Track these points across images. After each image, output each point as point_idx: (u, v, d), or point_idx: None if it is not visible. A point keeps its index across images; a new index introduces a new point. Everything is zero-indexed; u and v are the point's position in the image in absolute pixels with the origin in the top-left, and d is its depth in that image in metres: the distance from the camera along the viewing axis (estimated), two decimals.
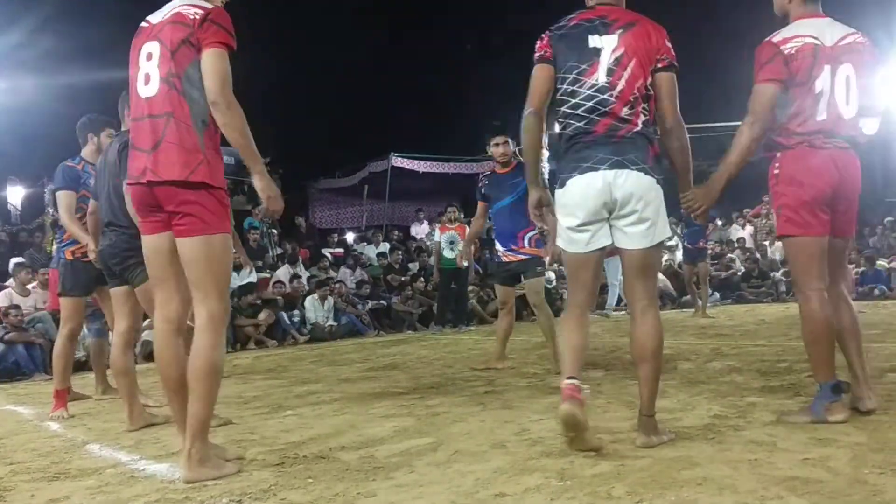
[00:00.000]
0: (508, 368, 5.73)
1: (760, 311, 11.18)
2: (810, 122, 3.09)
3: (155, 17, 2.89)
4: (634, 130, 2.84)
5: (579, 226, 2.89)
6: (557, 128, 2.99)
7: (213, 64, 2.74)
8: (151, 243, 2.92)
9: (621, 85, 2.84)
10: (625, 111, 2.84)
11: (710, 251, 12.38)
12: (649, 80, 2.87)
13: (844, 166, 3.10)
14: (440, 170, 17.54)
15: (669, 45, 2.91)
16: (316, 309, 10.66)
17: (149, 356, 7.65)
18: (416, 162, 17.01)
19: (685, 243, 11.35)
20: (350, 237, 15.86)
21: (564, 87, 2.92)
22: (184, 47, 2.77)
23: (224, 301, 2.84)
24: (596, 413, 3.59)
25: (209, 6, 2.83)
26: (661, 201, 2.87)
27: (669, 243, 13.49)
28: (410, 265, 13.26)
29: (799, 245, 3.15)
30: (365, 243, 14.42)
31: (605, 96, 2.84)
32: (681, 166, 2.96)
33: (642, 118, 2.86)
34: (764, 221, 15.34)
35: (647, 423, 2.88)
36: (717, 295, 13.48)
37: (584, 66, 2.88)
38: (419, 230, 15.98)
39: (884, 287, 12.90)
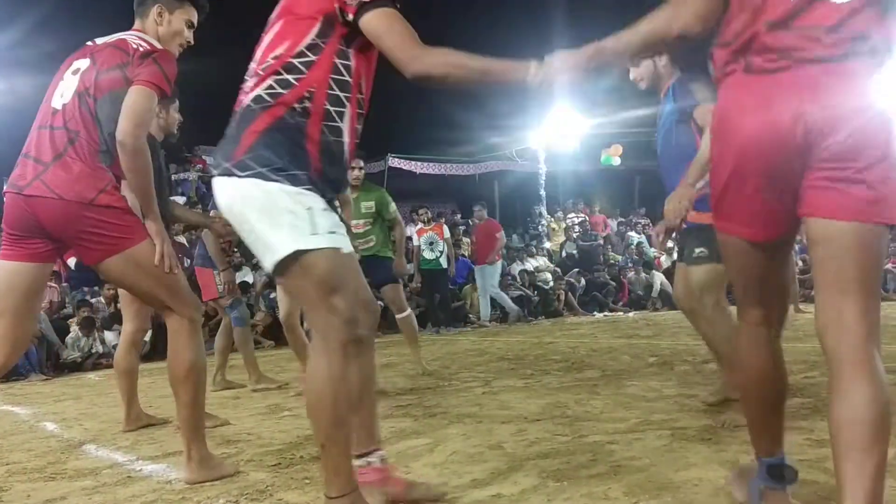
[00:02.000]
0: (507, 369, 5.72)
1: None
2: (746, 20, 1.69)
3: (100, 40, 2.78)
4: (236, 115, 2.09)
5: None
6: None
7: (135, 101, 2.56)
8: (12, 269, 2.61)
9: (258, 54, 2.10)
10: (245, 88, 2.09)
11: None
12: (307, 41, 2.01)
13: (828, 96, 1.60)
14: (437, 171, 17.54)
15: None
16: None
17: (144, 357, 7.67)
18: (413, 163, 17.00)
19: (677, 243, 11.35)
20: None
21: None
22: (113, 74, 2.63)
23: (188, 302, 2.74)
24: (593, 414, 3.60)
25: (157, 46, 2.73)
26: (259, 207, 1.94)
27: (668, 245, 13.50)
28: (409, 265, 13.24)
29: (723, 245, 1.90)
30: None
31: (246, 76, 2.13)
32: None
33: (258, 92, 2.03)
34: None
35: None
36: None
37: None
38: (414, 231, 15.97)
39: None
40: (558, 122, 16.24)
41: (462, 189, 18.98)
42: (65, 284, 9.70)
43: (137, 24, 2.87)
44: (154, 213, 2.67)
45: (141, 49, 2.66)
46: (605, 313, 13.16)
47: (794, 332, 7.02)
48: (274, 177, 1.93)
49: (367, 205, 5.44)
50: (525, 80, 1.97)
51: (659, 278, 14.18)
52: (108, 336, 8.73)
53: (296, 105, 1.99)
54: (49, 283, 8.02)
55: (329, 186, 2.04)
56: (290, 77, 2.00)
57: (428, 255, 11.02)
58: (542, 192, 16.64)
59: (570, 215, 16.71)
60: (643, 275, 14.25)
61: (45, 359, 8.02)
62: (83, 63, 2.71)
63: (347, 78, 2.05)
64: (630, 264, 14.91)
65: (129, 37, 2.74)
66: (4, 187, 2.65)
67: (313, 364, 1.99)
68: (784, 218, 1.73)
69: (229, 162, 1.97)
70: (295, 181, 1.94)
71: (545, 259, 15.00)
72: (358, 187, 5.47)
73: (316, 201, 1.97)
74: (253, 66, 2.09)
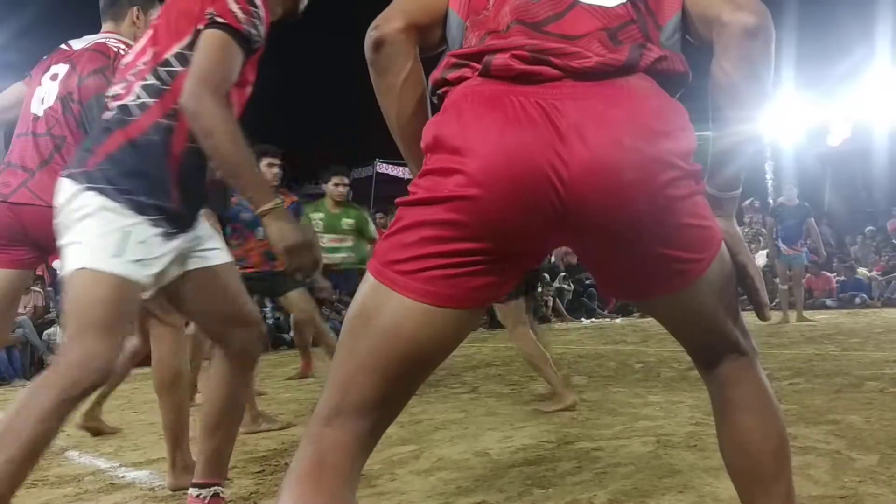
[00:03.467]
0: (494, 375, 5.72)
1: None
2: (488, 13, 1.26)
3: (76, 44, 2.75)
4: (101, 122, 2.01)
5: None
6: None
7: None
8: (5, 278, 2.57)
9: (128, 58, 2.08)
10: (112, 92, 2.02)
11: None
12: (175, 50, 1.92)
13: (596, 122, 1.09)
14: None
15: None
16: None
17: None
18: (401, 168, 17.00)
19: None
20: None
21: None
22: (96, 78, 2.58)
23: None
24: (579, 420, 3.60)
25: None
26: (93, 216, 1.83)
27: None
28: None
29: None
30: None
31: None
32: (216, 167, 1.87)
33: (127, 100, 1.93)
34: (746, 230, 15.45)
35: None
36: None
37: None
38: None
39: (865, 296, 13.01)
40: None
41: None
42: (49, 289, 9.63)
43: (110, 26, 2.82)
44: None
45: (122, 52, 2.62)
46: (593, 319, 13.19)
47: (780, 338, 7.06)
48: (119, 199, 1.83)
49: (349, 221, 5.66)
50: (260, 213, 1.81)
51: None
52: None
53: (161, 120, 1.89)
54: (33, 288, 7.97)
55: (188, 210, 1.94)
56: (159, 86, 1.91)
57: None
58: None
59: None
60: None
61: (28, 364, 7.95)
62: (61, 68, 2.68)
63: None
64: None
65: (108, 40, 2.71)
66: None
67: (34, 397, 1.73)
68: None
69: (77, 167, 1.89)
70: (138, 208, 1.84)
71: None
72: (341, 203, 5.66)
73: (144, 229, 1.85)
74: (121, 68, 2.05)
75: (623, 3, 1.20)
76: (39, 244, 2.55)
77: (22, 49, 11.75)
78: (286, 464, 3.00)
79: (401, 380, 1.15)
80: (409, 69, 1.26)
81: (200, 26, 1.86)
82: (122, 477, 2.97)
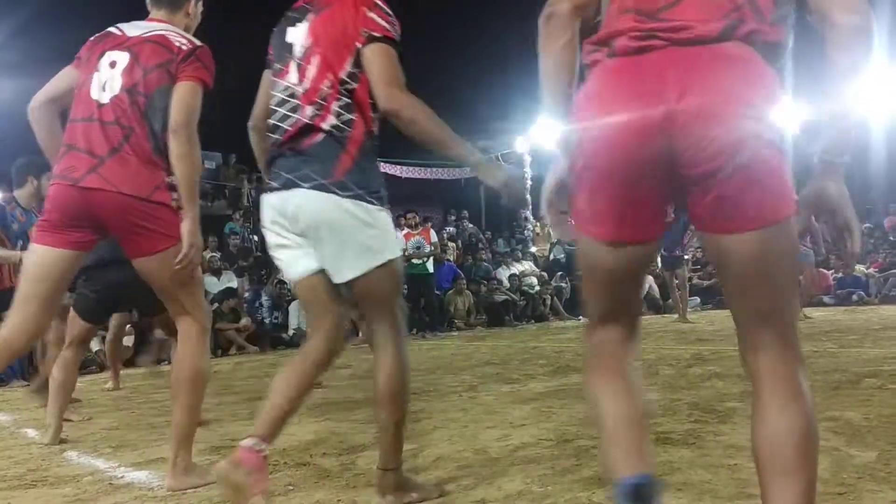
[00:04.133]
0: (493, 374, 5.72)
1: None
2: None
3: (130, 30, 2.81)
4: (319, 139, 2.27)
5: (276, 246, 2.40)
6: None
7: (185, 96, 2.67)
8: (51, 256, 2.64)
9: (306, 83, 2.30)
10: (309, 114, 2.28)
11: (690, 257, 12.46)
12: (348, 69, 2.26)
13: (690, 76, 1.41)
14: (422, 175, 17.54)
15: (375, 15, 2.26)
16: (300, 315, 10.61)
17: (126, 362, 7.64)
18: (397, 167, 17.00)
19: (662, 251, 11.44)
20: None
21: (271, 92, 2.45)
22: (159, 71, 2.69)
23: (203, 308, 2.83)
24: (578, 419, 3.61)
25: (197, 42, 2.80)
26: (361, 221, 2.23)
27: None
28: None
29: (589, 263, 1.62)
30: None
31: (293, 101, 2.33)
32: (434, 145, 2.24)
33: (333, 120, 2.25)
34: None
35: (384, 480, 2.37)
36: (698, 300, 13.56)
37: (280, 66, 2.41)
38: (399, 236, 15.97)
39: (862, 293, 13.03)
40: (544, 125, 16.29)
41: (447, 193, 18.99)
42: None
43: (164, 14, 2.89)
44: (194, 207, 2.70)
45: (184, 48, 2.73)
46: None
47: None
48: (372, 200, 2.25)
49: None
50: (473, 166, 2.29)
51: (648, 282, 14.22)
52: (92, 343, 8.66)
53: (373, 129, 2.31)
54: None
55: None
56: (349, 102, 2.27)
57: (415, 259, 11.03)
58: (528, 197, 16.66)
59: None
60: None
61: (27, 364, 7.93)
62: (121, 57, 2.74)
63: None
64: None
65: (169, 34, 2.78)
66: (52, 179, 2.71)
67: (396, 356, 2.33)
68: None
69: (326, 179, 2.21)
70: (383, 202, 2.29)
71: (531, 263, 15.04)
72: None
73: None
74: (297, 91, 2.32)
75: None
76: (101, 227, 2.67)
77: (19, 49, 11.73)
78: (285, 463, 3.00)
79: (616, 293, 1.60)
80: (568, 38, 1.62)
81: (359, 45, 2.24)
82: (121, 477, 2.97)
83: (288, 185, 2.27)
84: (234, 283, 11.00)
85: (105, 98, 2.70)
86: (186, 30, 2.93)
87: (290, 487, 2.64)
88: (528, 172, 16.96)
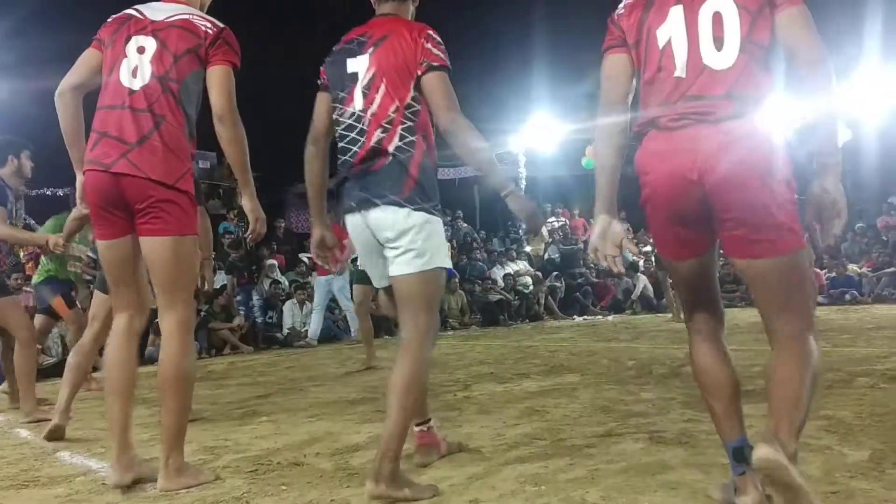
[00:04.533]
0: (487, 374, 5.71)
1: (733, 315, 11.20)
2: (656, 87, 2.12)
3: (153, 14, 2.85)
4: (388, 161, 2.55)
5: (363, 257, 2.77)
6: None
7: (222, 80, 2.78)
8: (116, 248, 2.80)
9: (373, 109, 2.58)
10: (376, 137, 2.56)
11: None
12: (411, 94, 2.58)
13: (715, 149, 1.97)
14: None
15: (431, 45, 2.57)
16: (294, 314, 10.61)
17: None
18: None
19: (656, 250, 11.46)
20: None
21: (335, 117, 2.71)
22: (189, 57, 2.77)
23: (191, 306, 2.82)
24: (571, 418, 3.61)
25: (220, 25, 2.86)
26: (431, 229, 2.56)
27: (645, 249, 13.57)
28: None
29: (670, 269, 2.30)
30: None
31: (360, 125, 2.60)
32: (477, 168, 2.60)
33: (397, 143, 2.55)
34: None
35: (381, 468, 2.40)
36: None
37: (343, 94, 2.66)
38: None
39: (855, 292, 13.07)
40: (538, 125, 16.30)
41: (441, 193, 18.93)
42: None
43: None
44: (251, 188, 2.89)
45: (211, 32, 2.81)
46: (585, 317, 13.21)
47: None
48: (435, 212, 2.59)
49: None
50: (507, 195, 2.55)
51: (643, 281, 14.25)
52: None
53: (433, 148, 2.63)
54: (25, 288, 7.92)
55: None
56: (412, 125, 2.58)
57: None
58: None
59: (550, 219, 16.75)
60: (625, 278, 14.31)
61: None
62: (148, 43, 2.79)
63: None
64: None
65: (193, 17, 2.86)
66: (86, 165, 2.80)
67: (421, 354, 2.51)
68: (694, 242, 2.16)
69: (396, 195, 2.52)
70: (441, 215, 2.64)
71: (525, 263, 15.04)
72: None
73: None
74: (364, 116, 2.60)
75: (732, 66, 2.02)
76: (131, 209, 2.74)
77: (15, 48, 11.68)
78: (279, 463, 3.00)
79: (693, 290, 2.22)
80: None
81: (419, 73, 2.55)
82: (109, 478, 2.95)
83: (363, 205, 2.57)
84: (226, 282, 10.99)
85: (136, 85, 2.76)
86: (201, 8, 3.02)
87: (284, 487, 2.64)
88: (523, 172, 16.97)
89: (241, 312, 10.53)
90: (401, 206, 2.51)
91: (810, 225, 2.05)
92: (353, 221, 2.64)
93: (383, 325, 10.27)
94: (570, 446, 3.00)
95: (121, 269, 2.83)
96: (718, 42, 2.02)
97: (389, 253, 2.58)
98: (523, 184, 16.76)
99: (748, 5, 2.01)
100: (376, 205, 2.54)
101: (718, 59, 2.02)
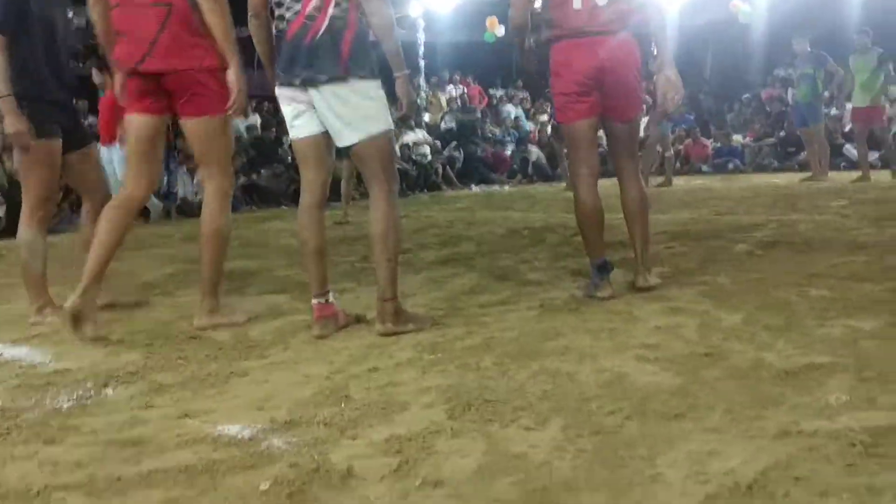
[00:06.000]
0: None
1: None
2: (568, 12, 3.11)
3: None
4: (324, 30, 2.70)
5: (292, 119, 2.88)
6: None
7: None
8: (146, 123, 3.05)
9: None
10: (313, 5, 2.69)
11: None
12: None
13: (609, 51, 3.12)
14: None
15: None
16: (185, 183, 10.24)
17: None
18: None
19: (553, 120, 11.58)
20: None
21: None
22: None
23: (229, 174, 3.13)
24: (468, 287, 3.70)
25: None
26: (375, 94, 2.77)
27: (542, 118, 13.67)
28: (285, 139, 12.83)
29: (567, 132, 3.33)
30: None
31: None
32: (383, 39, 2.78)
33: (332, 11, 2.69)
34: None
35: (382, 309, 2.82)
36: None
37: None
38: None
39: (738, 161, 13.67)
40: None
41: None
42: None
43: None
44: (235, 54, 2.95)
45: None
46: (483, 186, 13.35)
47: (658, 203, 7.35)
48: (371, 77, 2.76)
49: None
50: (400, 76, 2.85)
51: (536, 152, 14.43)
52: None
53: (360, 14, 2.72)
54: None
55: None
56: None
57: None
58: (422, 63, 16.30)
59: (449, 87, 16.54)
60: (520, 148, 14.46)
61: None
62: None
63: None
64: (508, 138, 15.05)
65: None
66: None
67: (390, 206, 2.79)
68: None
69: (335, 65, 2.69)
70: (379, 77, 2.79)
71: (424, 132, 14.91)
72: None
73: None
74: None
75: (608, 3, 3.11)
76: (171, 95, 3.01)
77: None
78: (175, 336, 2.97)
79: (589, 147, 3.30)
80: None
81: None
82: (1, 354, 2.86)
83: (305, 83, 2.73)
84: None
85: None
86: None
87: (181, 361, 2.61)
88: (422, 37, 16.50)
89: None
90: (342, 77, 2.70)
91: (662, 100, 3.27)
92: (285, 95, 2.83)
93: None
94: (466, 314, 3.09)
95: (142, 143, 3.07)
96: None
97: (336, 123, 2.76)
98: (421, 49, 16.32)
99: None
100: (317, 79, 2.70)
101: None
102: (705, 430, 1.73)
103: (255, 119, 12.89)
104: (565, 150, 10.93)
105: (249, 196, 11.05)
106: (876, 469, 1.46)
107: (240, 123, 12.82)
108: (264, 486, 1.56)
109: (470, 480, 1.53)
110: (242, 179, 11.10)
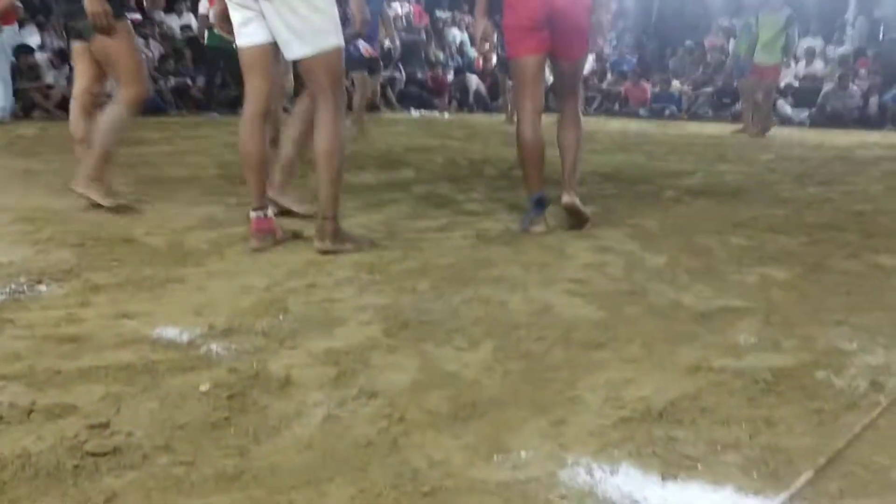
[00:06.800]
0: None
1: None
2: None
3: None
4: None
5: (240, 25, 2.88)
6: None
7: None
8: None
9: None
10: None
11: None
12: None
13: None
14: None
15: None
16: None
17: None
18: None
19: (499, 51, 11.49)
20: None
21: None
22: None
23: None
24: (406, 212, 3.75)
25: None
26: (320, 8, 2.74)
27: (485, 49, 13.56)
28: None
29: (515, 66, 3.42)
30: (166, 13, 12.95)
31: None
32: None
33: None
34: None
35: (322, 227, 2.84)
36: None
37: None
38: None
39: (675, 107, 13.91)
40: None
41: None
42: None
43: None
44: None
45: None
46: (422, 112, 13.26)
47: (593, 144, 7.48)
48: None
49: None
50: None
51: (475, 81, 14.34)
52: None
53: None
54: None
55: None
56: None
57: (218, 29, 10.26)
58: None
59: (395, 4, 16.16)
60: (458, 77, 14.33)
61: None
62: None
63: None
64: (451, 63, 14.90)
65: None
66: None
67: (336, 124, 2.81)
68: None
69: None
70: None
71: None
72: None
73: None
74: None
75: None
76: None
77: None
78: (108, 238, 2.94)
79: (536, 83, 3.36)
80: None
81: None
82: None
83: None
84: (37, 39, 9.97)
85: None
86: None
87: (115, 263, 2.60)
88: None
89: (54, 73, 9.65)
90: None
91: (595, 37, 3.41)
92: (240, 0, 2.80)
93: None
94: (404, 239, 3.14)
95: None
96: None
97: (285, 34, 2.75)
98: None
99: None
100: None
101: None
102: (623, 360, 1.85)
103: (190, 18, 12.31)
104: (509, 83, 10.98)
105: (181, 100, 10.72)
106: (774, 404, 1.61)
107: (173, 22, 12.30)
108: (204, 387, 1.61)
109: (404, 393, 1.62)
110: (173, 81, 10.75)
